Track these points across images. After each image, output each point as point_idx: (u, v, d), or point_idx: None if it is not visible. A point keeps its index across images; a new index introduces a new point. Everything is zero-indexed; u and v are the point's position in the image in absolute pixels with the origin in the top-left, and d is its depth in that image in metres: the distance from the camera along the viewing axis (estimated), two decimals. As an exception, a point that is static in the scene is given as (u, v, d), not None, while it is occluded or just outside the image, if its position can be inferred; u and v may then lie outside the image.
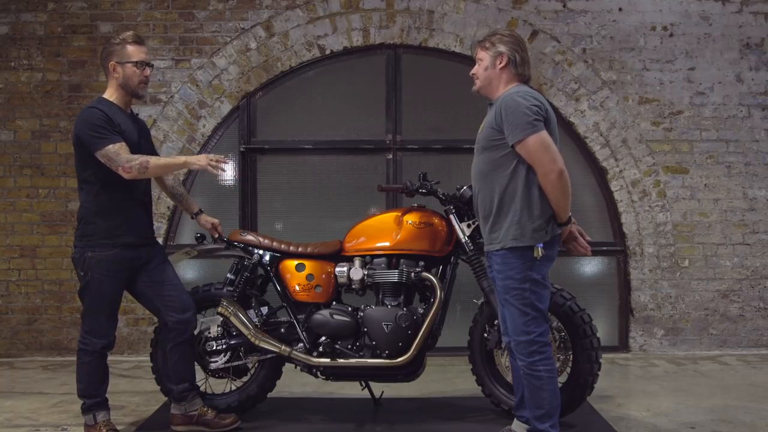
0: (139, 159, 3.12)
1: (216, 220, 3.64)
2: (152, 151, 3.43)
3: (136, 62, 3.22)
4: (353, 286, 3.56)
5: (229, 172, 5.30)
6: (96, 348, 3.24)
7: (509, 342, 3.06)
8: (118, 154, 3.08)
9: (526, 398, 3.03)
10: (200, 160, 3.21)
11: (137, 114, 3.42)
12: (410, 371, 3.49)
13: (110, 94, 3.25)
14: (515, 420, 3.24)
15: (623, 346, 5.27)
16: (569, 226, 3.03)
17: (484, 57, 3.05)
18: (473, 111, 5.18)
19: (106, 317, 3.26)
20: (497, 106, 2.94)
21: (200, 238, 3.66)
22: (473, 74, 3.10)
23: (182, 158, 3.31)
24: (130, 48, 3.22)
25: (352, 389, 3.88)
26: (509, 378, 3.53)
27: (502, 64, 3.00)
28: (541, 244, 2.87)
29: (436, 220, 3.53)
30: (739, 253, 5.25)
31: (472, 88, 3.13)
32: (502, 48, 3.00)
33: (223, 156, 3.28)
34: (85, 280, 3.21)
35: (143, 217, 3.34)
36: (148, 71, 3.28)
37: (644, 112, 5.24)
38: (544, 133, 2.86)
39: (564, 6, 5.24)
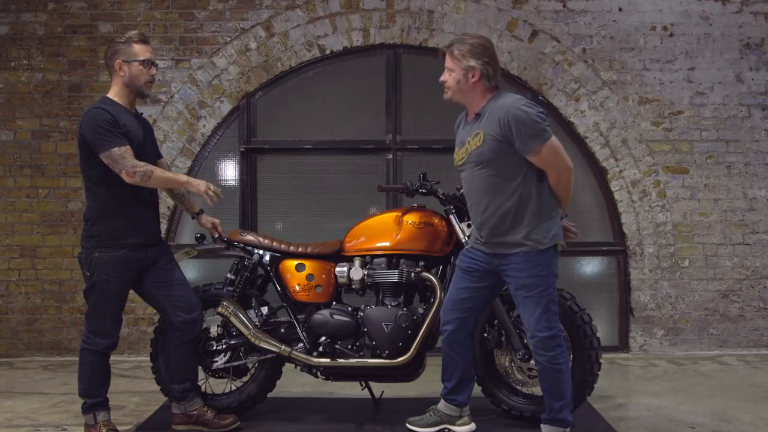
0: (145, 167, 3.12)
1: (216, 220, 3.63)
2: (156, 151, 3.45)
3: (143, 61, 3.21)
4: (353, 286, 3.56)
5: (229, 172, 5.31)
6: (99, 348, 3.24)
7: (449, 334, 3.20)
8: (123, 157, 3.09)
9: (545, 391, 3.11)
10: (200, 185, 3.25)
11: (141, 113, 3.42)
12: (410, 371, 3.49)
13: (115, 93, 3.24)
14: (442, 401, 3.36)
15: (623, 346, 5.27)
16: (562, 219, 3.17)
17: (454, 68, 3.06)
18: (473, 111, 5.20)
19: (111, 317, 3.25)
20: (501, 118, 2.94)
21: (200, 238, 3.66)
22: (443, 82, 3.11)
23: (184, 177, 3.34)
24: (137, 47, 3.21)
25: (352, 389, 3.88)
26: (509, 378, 3.54)
27: (475, 79, 3.02)
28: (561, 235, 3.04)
29: (436, 220, 3.53)
30: (739, 253, 5.25)
31: (444, 96, 3.14)
32: (472, 62, 3.00)
33: (220, 190, 3.32)
34: (91, 281, 3.21)
35: (150, 217, 3.34)
36: (153, 70, 3.28)
37: (644, 112, 5.24)
38: (554, 138, 2.96)
39: (564, 6, 5.24)
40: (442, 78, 3.12)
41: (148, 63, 3.24)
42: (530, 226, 2.98)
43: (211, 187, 3.27)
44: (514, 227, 2.99)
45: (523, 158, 2.95)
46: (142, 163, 3.13)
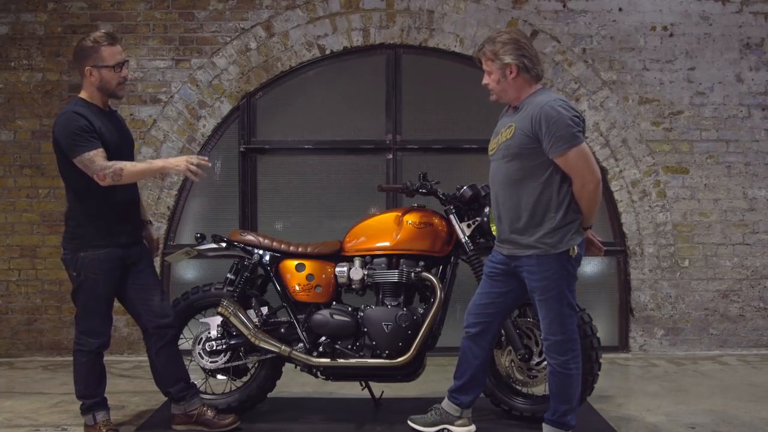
0: (113, 166, 3.07)
1: (155, 241, 3.54)
2: (130, 148, 3.39)
3: (113, 66, 3.14)
4: (353, 286, 3.56)
5: (229, 173, 5.30)
6: (92, 348, 3.24)
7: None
8: (93, 161, 3.05)
9: (552, 392, 3.09)
10: (179, 165, 3.11)
11: (115, 110, 3.38)
12: (410, 371, 3.49)
13: (87, 96, 3.20)
14: (446, 398, 3.35)
15: (623, 346, 5.27)
16: (587, 231, 3.10)
17: (491, 69, 3.03)
18: (473, 111, 5.20)
19: (101, 317, 3.25)
20: (534, 115, 2.91)
21: (200, 238, 3.66)
22: (486, 84, 3.09)
23: (160, 162, 3.25)
24: (105, 51, 3.12)
25: (352, 389, 3.88)
26: (509, 379, 3.54)
27: (513, 75, 2.99)
28: (578, 242, 2.97)
29: (436, 220, 3.53)
30: (739, 253, 5.25)
31: (490, 97, 3.12)
32: (507, 59, 2.97)
33: (205, 158, 3.18)
34: (78, 281, 3.20)
35: (132, 215, 3.34)
36: (125, 71, 3.20)
37: (644, 112, 5.24)
38: (585, 145, 2.91)
39: (564, 6, 5.23)
40: (484, 81, 3.09)
41: (119, 66, 3.16)
42: (545, 229, 2.94)
43: (193, 160, 3.12)
44: (530, 228, 2.97)
45: (549, 159, 2.92)
46: (110, 163, 3.07)
